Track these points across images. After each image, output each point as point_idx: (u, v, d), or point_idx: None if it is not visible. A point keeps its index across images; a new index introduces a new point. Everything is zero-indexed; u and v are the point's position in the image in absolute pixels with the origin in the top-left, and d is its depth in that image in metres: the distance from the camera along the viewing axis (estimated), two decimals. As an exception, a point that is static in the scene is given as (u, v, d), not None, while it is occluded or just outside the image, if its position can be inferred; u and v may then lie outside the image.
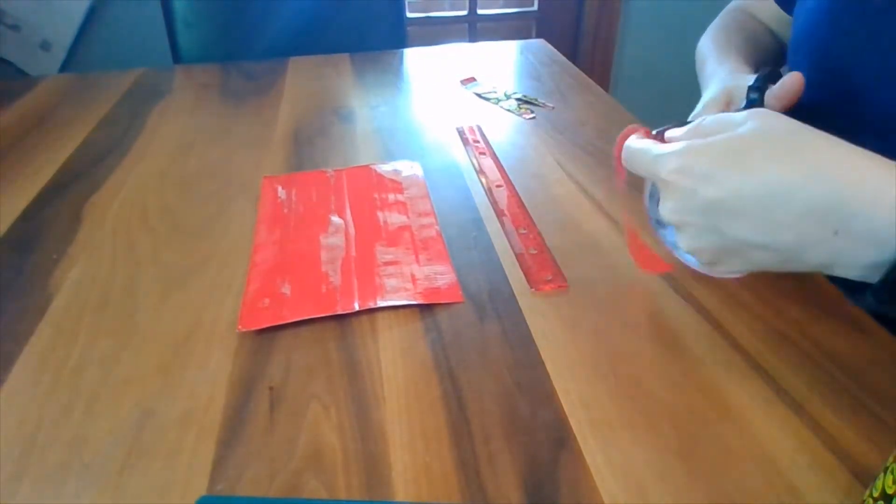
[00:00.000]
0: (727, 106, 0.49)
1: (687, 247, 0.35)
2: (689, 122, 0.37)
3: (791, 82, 0.44)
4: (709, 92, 0.52)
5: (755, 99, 0.45)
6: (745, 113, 0.32)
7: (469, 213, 0.57)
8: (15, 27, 1.47)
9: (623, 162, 0.39)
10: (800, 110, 0.58)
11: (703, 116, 0.36)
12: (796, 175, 0.28)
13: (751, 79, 0.47)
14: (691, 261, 0.43)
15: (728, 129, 0.32)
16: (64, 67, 1.54)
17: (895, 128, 0.47)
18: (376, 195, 0.60)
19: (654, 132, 0.41)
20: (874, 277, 0.29)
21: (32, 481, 0.34)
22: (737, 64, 0.56)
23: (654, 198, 0.44)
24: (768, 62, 0.63)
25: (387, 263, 0.50)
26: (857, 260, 0.29)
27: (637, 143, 0.37)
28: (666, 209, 0.34)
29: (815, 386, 0.38)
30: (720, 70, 0.55)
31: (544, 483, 0.33)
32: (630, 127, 0.42)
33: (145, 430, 0.36)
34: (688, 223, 0.33)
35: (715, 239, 0.32)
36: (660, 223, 0.44)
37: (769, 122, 0.31)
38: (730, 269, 0.36)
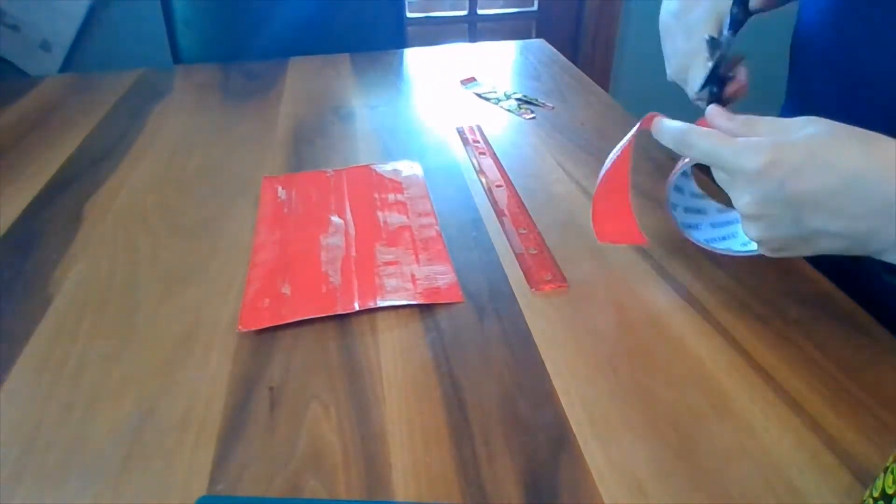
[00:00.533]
0: (718, 24, 0.49)
1: (760, 236, 0.37)
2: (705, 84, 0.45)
3: (740, 83, 0.48)
4: (695, 13, 0.51)
5: (737, 14, 0.47)
6: (801, 119, 0.35)
7: (469, 213, 0.57)
8: (15, 27, 1.47)
9: (680, 147, 0.40)
10: (811, 104, 0.57)
11: (749, 117, 0.37)
12: (873, 171, 0.31)
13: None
14: (727, 249, 0.46)
15: (787, 132, 0.35)
16: (64, 67, 1.54)
17: None
18: (376, 195, 0.60)
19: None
20: None
21: (32, 481, 0.34)
22: None
23: (684, 191, 0.47)
24: None
25: (387, 263, 0.50)
26: None
27: (705, 134, 0.38)
28: (745, 201, 0.36)
29: (815, 386, 0.38)
30: None
31: (544, 483, 0.33)
32: (648, 115, 0.44)
33: (145, 430, 0.36)
34: (768, 214, 0.35)
35: (792, 229, 0.35)
36: (674, 208, 0.47)
37: (831, 126, 0.34)
38: (792, 255, 0.38)
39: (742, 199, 0.36)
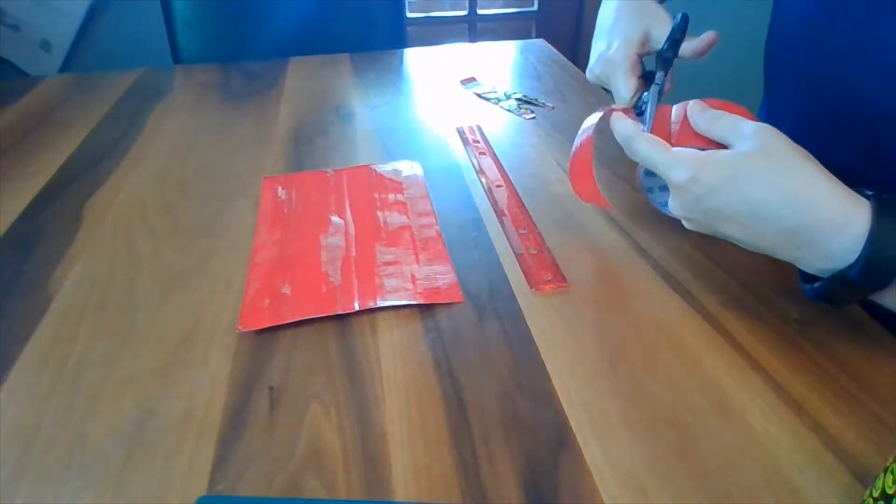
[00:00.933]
0: (642, 47, 0.54)
1: (687, 227, 0.43)
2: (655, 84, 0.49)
3: (707, 39, 0.52)
4: (623, 29, 0.55)
5: (667, 54, 0.51)
6: (752, 127, 0.39)
7: (469, 213, 0.57)
8: (15, 27, 1.47)
9: (628, 152, 0.45)
10: (781, 110, 0.58)
11: (718, 114, 0.42)
12: (777, 201, 0.36)
13: (663, 32, 0.52)
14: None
15: (736, 136, 0.39)
16: (64, 67, 1.54)
17: (878, 124, 0.47)
18: (376, 195, 0.60)
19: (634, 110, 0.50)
20: (824, 275, 0.38)
21: (32, 481, 0.34)
22: None
23: (649, 173, 0.49)
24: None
25: (387, 263, 0.50)
26: (811, 265, 0.38)
27: (646, 144, 0.43)
28: (674, 206, 0.42)
29: (815, 386, 0.38)
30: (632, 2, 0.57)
31: (544, 483, 0.33)
32: (611, 108, 0.48)
33: (145, 430, 0.36)
34: (690, 218, 0.42)
35: (709, 230, 0.41)
36: (649, 191, 0.50)
37: (771, 145, 0.38)
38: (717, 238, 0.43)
39: (673, 203, 0.42)
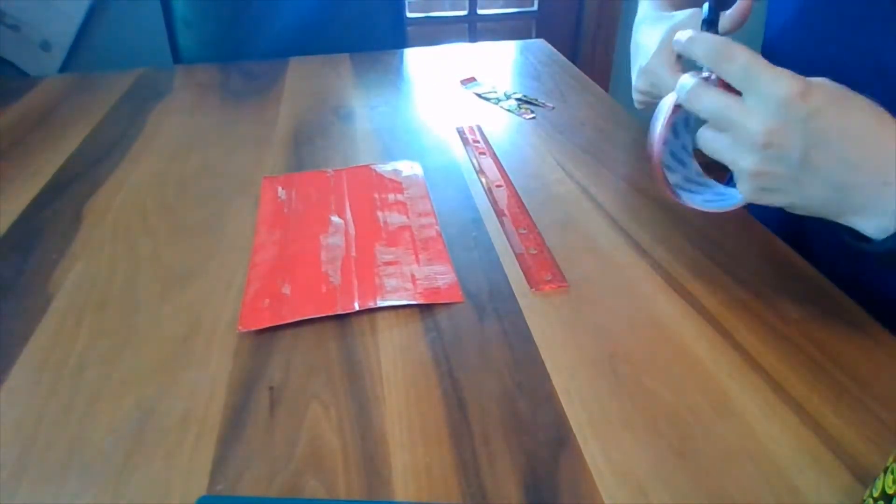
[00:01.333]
0: (672, 54, 0.49)
1: (758, 167, 0.37)
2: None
3: (742, 7, 0.47)
4: (650, 37, 0.52)
5: (709, 28, 0.46)
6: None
7: (469, 213, 0.57)
8: (15, 27, 1.47)
9: (717, 60, 0.39)
10: None
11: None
12: (884, 130, 0.35)
13: (701, 11, 0.48)
14: (702, 203, 0.46)
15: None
16: (64, 67, 1.54)
17: None
18: (376, 195, 0.60)
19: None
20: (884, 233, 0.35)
21: (32, 481, 0.34)
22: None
23: (675, 162, 0.47)
24: None
25: (387, 263, 0.50)
26: (883, 212, 0.35)
27: (743, 50, 0.38)
28: (763, 126, 0.36)
29: (815, 386, 0.38)
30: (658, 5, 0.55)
31: (544, 483, 0.33)
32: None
33: (145, 430, 0.36)
34: (779, 143, 0.36)
35: (794, 165, 0.36)
36: (677, 186, 0.46)
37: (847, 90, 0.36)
38: (773, 199, 0.38)
39: (761, 123, 0.36)
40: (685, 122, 0.48)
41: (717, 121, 0.39)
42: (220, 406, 0.38)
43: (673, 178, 0.47)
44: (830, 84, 0.36)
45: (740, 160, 0.38)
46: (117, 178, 0.64)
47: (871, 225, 0.36)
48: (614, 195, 0.59)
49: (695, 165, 0.50)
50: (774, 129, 0.36)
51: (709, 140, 0.40)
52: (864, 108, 0.35)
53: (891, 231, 0.35)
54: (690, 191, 0.47)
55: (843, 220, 0.37)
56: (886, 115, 0.35)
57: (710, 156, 0.40)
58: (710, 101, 0.39)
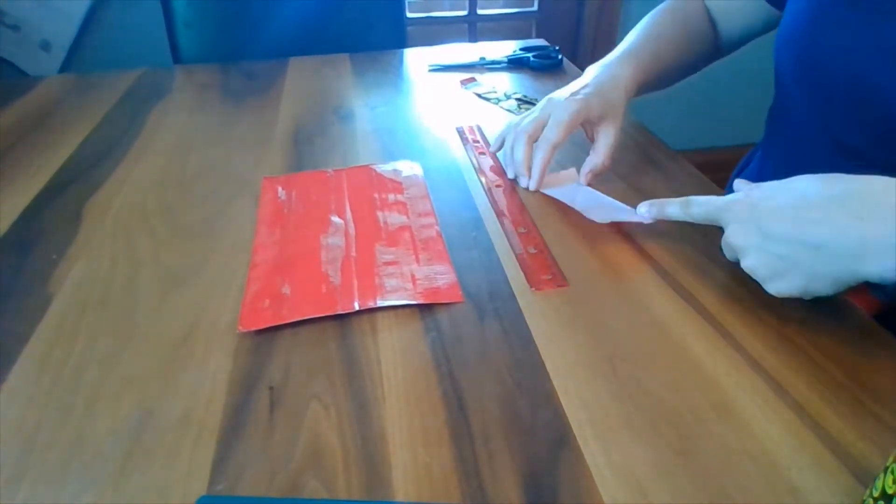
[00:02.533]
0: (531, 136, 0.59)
1: (753, 264, 0.42)
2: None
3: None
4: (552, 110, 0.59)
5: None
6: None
7: (469, 213, 0.57)
8: (15, 27, 1.47)
9: (686, 212, 0.48)
10: (789, 110, 0.59)
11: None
12: (824, 185, 0.39)
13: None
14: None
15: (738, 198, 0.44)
16: (64, 67, 1.54)
17: (892, 110, 0.48)
18: (376, 195, 0.60)
19: None
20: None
21: (32, 481, 0.34)
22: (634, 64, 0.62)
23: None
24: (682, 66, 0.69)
25: (387, 263, 0.50)
26: (882, 252, 0.35)
27: (701, 200, 0.47)
28: (735, 233, 0.43)
29: (815, 386, 0.38)
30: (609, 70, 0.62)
31: (544, 483, 0.33)
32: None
33: (145, 430, 0.36)
34: (750, 242, 0.42)
35: (789, 251, 0.40)
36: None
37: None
38: (795, 285, 0.41)
39: (733, 232, 0.43)
40: None
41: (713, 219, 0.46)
42: (220, 406, 0.38)
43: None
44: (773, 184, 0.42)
45: (742, 261, 0.43)
46: (117, 178, 0.64)
47: (882, 268, 0.36)
48: (614, 195, 0.59)
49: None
50: (733, 231, 0.43)
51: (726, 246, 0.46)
52: (808, 178, 0.40)
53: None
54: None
55: (861, 277, 0.37)
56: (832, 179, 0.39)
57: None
58: (700, 209, 0.47)
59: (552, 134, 0.57)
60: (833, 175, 0.39)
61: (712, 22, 0.69)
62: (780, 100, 0.63)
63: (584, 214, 0.54)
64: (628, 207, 0.54)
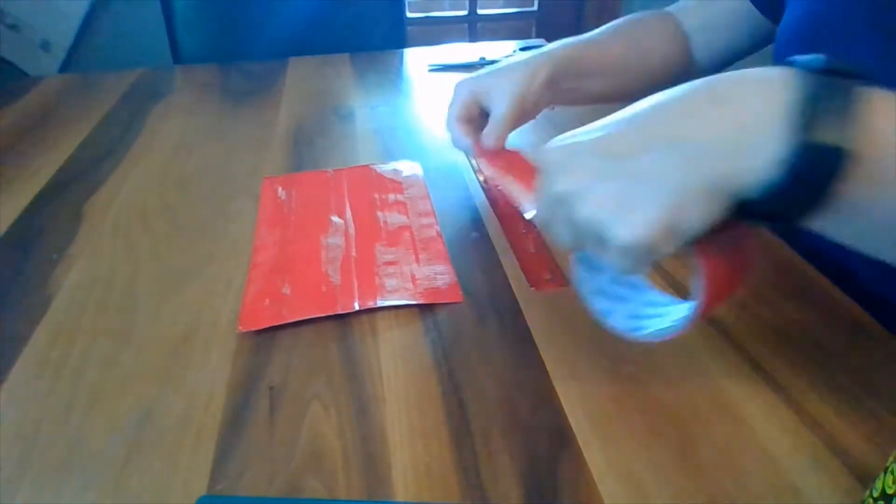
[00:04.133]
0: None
1: (587, 209, 0.31)
2: None
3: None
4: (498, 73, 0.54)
5: None
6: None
7: (469, 213, 0.57)
8: (15, 27, 1.47)
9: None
10: None
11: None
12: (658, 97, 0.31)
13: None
14: (616, 328, 0.38)
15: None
16: (64, 67, 1.54)
17: None
18: (376, 195, 0.60)
19: None
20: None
21: (32, 481, 0.34)
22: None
23: (583, 263, 0.39)
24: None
25: (387, 263, 0.50)
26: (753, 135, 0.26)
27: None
28: (552, 158, 0.34)
29: (815, 386, 0.38)
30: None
31: (544, 483, 0.33)
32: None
33: (145, 430, 0.36)
34: (548, 194, 0.33)
35: (608, 177, 0.30)
36: (589, 293, 0.40)
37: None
38: (636, 223, 0.29)
39: (547, 175, 0.34)
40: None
41: (546, 218, 0.35)
42: (220, 406, 0.38)
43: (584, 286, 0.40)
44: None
45: (573, 216, 0.31)
46: (117, 178, 0.64)
47: (763, 162, 0.26)
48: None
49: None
50: (554, 170, 0.33)
51: (558, 239, 0.35)
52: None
53: (778, 155, 0.26)
54: (610, 298, 0.39)
55: (736, 184, 0.27)
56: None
57: (572, 247, 0.35)
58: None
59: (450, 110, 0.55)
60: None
61: (685, 38, 0.63)
62: None
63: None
64: None
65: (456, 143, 0.56)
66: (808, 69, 0.26)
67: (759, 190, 0.27)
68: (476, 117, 0.55)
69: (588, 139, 0.31)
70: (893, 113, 0.25)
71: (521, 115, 0.52)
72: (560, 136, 0.34)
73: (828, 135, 0.25)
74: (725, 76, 0.28)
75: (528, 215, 0.42)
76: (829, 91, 0.25)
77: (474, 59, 0.97)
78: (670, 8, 0.66)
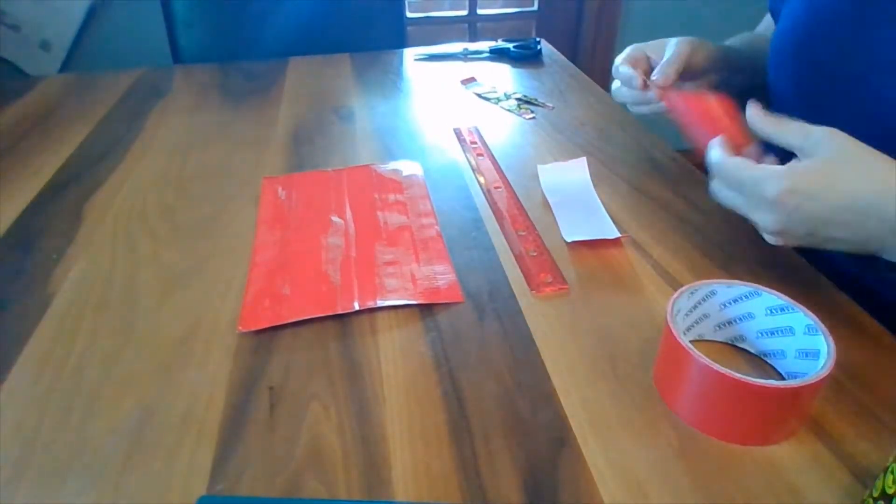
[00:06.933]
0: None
1: (778, 240, 0.42)
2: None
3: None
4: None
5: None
6: (821, 133, 0.40)
7: (469, 213, 0.57)
8: (15, 27, 1.47)
9: (716, 172, 0.44)
10: (791, 104, 0.59)
11: (781, 120, 0.43)
12: (873, 192, 0.38)
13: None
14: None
15: (809, 144, 0.41)
16: (64, 67, 1.54)
17: (878, 117, 0.48)
18: (376, 195, 0.60)
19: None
20: None
21: (32, 481, 0.34)
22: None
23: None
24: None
25: (387, 263, 0.50)
26: None
27: (730, 162, 0.43)
28: (769, 220, 0.41)
29: (815, 386, 0.38)
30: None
31: (544, 483, 0.33)
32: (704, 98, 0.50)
33: (145, 430, 0.36)
34: (787, 231, 0.41)
35: (807, 238, 0.41)
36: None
37: (843, 147, 0.40)
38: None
39: (764, 219, 0.41)
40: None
41: (736, 188, 0.43)
42: (220, 406, 0.38)
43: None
44: (819, 160, 0.40)
45: (762, 225, 0.41)
46: (117, 178, 0.64)
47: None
48: (614, 195, 0.59)
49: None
50: (777, 221, 0.40)
51: (725, 200, 0.44)
52: (853, 174, 0.39)
53: None
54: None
55: (876, 254, 0.40)
56: (880, 167, 0.38)
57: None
58: (729, 172, 0.43)
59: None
60: (878, 167, 0.39)
61: None
62: (775, 109, 0.63)
63: (560, 226, 0.53)
64: (608, 223, 0.53)
65: (625, 81, 0.59)
66: None
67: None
68: (644, 67, 0.60)
69: (824, 217, 0.39)
70: None
71: (689, 64, 0.57)
72: (791, 188, 0.39)
73: None
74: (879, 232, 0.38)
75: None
76: None
77: (458, 50, 1.00)
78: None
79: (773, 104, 0.63)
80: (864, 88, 0.49)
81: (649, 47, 0.60)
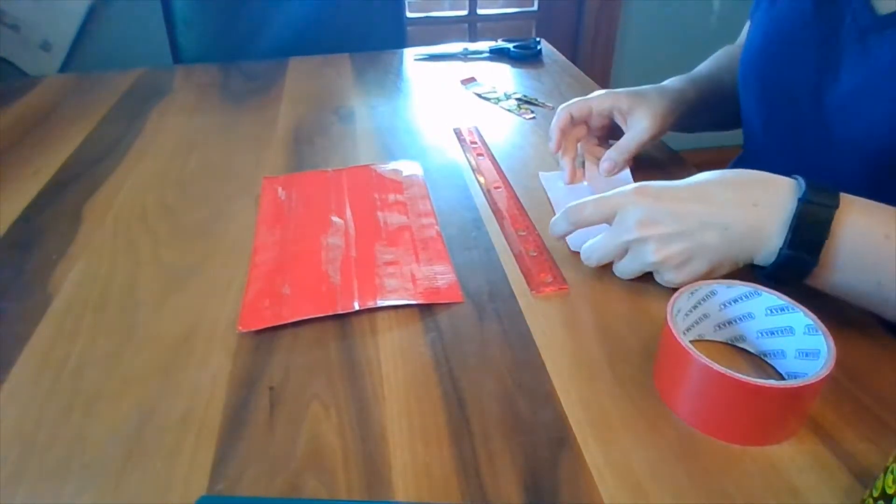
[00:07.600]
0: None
1: (658, 254, 0.42)
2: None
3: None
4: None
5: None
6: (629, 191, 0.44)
7: (469, 213, 0.57)
8: (15, 27, 1.47)
9: (574, 219, 0.46)
10: (755, 130, 0.61)
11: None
12: (716, 176, 0.42)
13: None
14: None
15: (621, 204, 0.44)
16: (64, 67, 1.54)
17: (835, 151, 0.51)
18: (376, 195, 0.60)
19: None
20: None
21: (32, 481, 0.34)
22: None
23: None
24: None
25: (387, 263, 0.50)
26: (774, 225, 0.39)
27: (573, 205, 0.46)
28: (635, 219, 0.42)
29: (815, 386, 0.38)
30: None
31: (544, 483, 0.33)
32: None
33: (145, 430, 0.36)
34: (657, 221, 0.42)
35: (675, 224, 0.41)
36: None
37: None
38: (689, 271, 0.43)
39: (631, 223, 0.42)
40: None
41: (614, 251, 0.45)
42: (220, 406, 0.38)
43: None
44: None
45: (645, 259, 0.43)
46: (117, 178, 0.64)
47: (762, 257, 0.41)
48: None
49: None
50: (641, 219, 0.42)
51: (622, 269, 0.46)
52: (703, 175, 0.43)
53: (775, 252, 0.40)
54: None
55: (751, 259, 0.42)
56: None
57: (631, 277, 0.46)
58: (600, 246, 0.45)
59: (571, 102, 0.61)
60: (733, 170, 0.43)
61: None
62: (746, 127, 0.64)
63: (567, 239, 0.52)
64: None
65: (554, 127, 0.61)
66: (804, 198, 0.38)
67: (764, 264, 0.41)
68: (586, 121, 0.62)
69: (669, 209, 0.41)
70: (849, 240, 0.38)
71: (653, 136, 0.58)
72: (641, 185, 0.43)
73: (801, 251, 0.39)
74: (766, 182, 0.41)
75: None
76: (811, 219, 0.38)
77: (458, 50, 0.99)
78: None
79: (743, 123, 0.64)
80: (827, 110, 0.50)
81: (621, 107, 0.59)
